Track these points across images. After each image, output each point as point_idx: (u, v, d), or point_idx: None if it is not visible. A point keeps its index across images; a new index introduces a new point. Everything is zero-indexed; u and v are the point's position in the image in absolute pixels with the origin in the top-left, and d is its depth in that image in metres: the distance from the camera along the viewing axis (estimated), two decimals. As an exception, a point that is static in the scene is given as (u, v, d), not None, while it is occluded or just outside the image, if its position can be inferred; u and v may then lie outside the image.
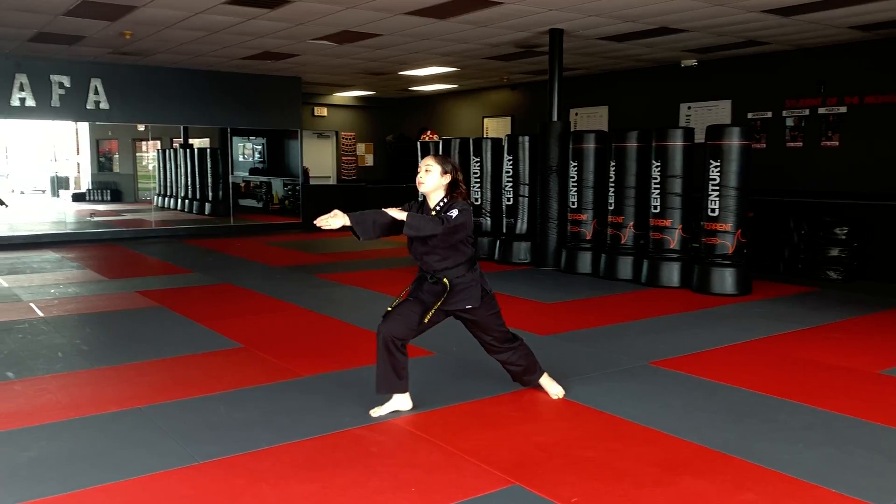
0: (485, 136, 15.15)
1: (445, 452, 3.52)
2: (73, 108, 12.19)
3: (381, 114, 18.45)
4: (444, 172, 3.94)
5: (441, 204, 3.96)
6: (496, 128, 15.42)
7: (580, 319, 6.50)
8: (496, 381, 4.64)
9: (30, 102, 11.79)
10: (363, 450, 3.55)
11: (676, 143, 7.93)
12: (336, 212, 3.68)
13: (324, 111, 17.76)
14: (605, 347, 5.45)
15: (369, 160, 18.74)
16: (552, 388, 4.32)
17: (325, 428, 3.83)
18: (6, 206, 15.97)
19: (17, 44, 10.42)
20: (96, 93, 12.29)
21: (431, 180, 3.93)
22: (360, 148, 18.59)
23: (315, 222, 3.68)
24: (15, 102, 11.70)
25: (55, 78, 11.93)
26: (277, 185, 17.75)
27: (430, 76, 13.71)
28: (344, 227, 3.71)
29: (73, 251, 11.07)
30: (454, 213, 3.83)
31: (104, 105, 12.36)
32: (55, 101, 12.00)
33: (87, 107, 12.26)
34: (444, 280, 3.92)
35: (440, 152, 10.65)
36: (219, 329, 5.95)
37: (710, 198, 7.61)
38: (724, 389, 4.51)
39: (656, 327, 6.19)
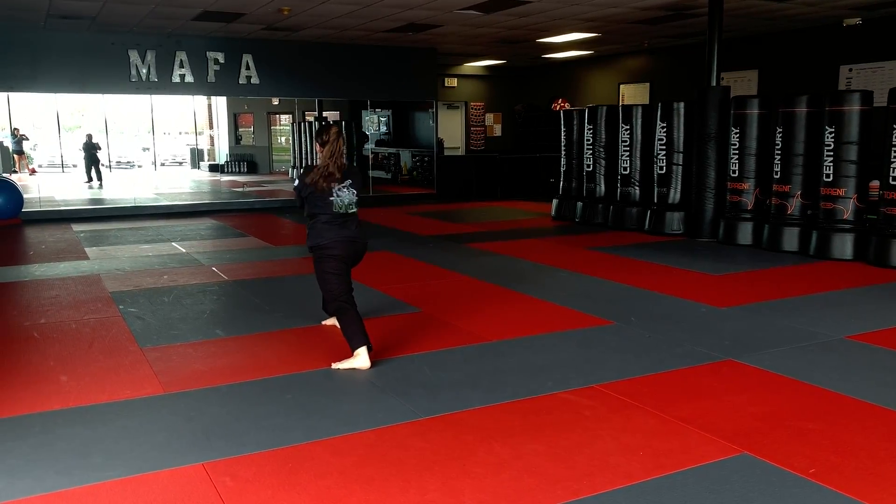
0: (621, 102, 14.80)
1: (660, 419, 3.52)
2: (226, 83, 12.79)
3: (509, 83, 18.35)
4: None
5: None
6: (633, 94, 15.02)
7: (756, 292, 6.30)
8: (685, 352, 4.59)
9: (189, 79, 12.46)
10: (576, 414, 3.61)
11: (853, 107, 7.48)
12: None
13: (454, 82, 17.84)
14: (792, 321, 5.26)
15: (497, 130, 18.72)
16: (353, 362, 4.25)
17: (530, 391, 3.91)
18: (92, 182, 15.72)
19: (181, 23, 11.01)
20: (248, 68, 12.83)
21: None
22: (489, 118, 18.59)
23: None
24: (175, 79, 12.39)
25: (211, 55, 12.54)
26: (405, 156, 18.07)
27: (566, 43, 13.48)
28: None
29: (230, 219, 11.70)
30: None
31: (255, 80, 12.89)
32: (211, 77, 12.62)
33: (240, 82, 12.83)
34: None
35: (572, 119, 10.45)
36: (394, 294, 6.16)
37: (893, 165, 7.16)
38: (938, 366, 4.28)
39: (841, 300, 5.92)
